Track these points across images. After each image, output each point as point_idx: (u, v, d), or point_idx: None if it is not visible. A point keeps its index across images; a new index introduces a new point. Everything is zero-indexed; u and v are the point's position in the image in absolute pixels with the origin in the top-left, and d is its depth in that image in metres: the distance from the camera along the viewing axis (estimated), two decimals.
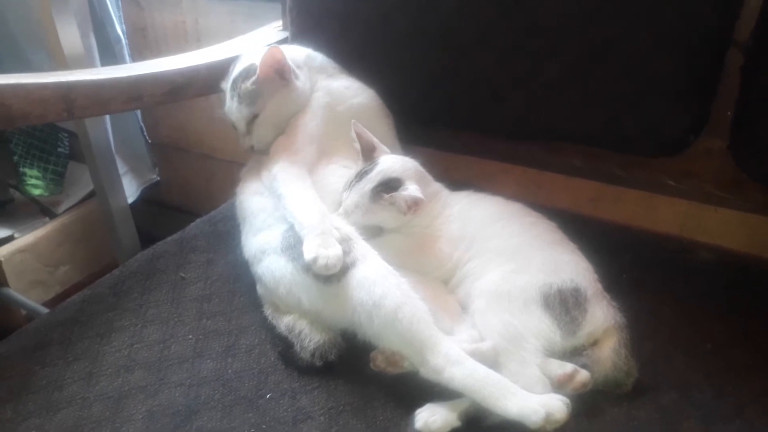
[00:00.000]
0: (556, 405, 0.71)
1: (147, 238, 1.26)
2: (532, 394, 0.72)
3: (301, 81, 1.02)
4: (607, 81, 1.01)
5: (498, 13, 1.03)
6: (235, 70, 1.03)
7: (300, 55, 1.06)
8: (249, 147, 1.04)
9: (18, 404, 0.80)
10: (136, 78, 1.05)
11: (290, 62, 1.00)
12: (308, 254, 0.81)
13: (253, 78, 0.98)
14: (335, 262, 0.80)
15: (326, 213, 0.89)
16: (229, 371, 0.84)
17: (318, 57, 1.09)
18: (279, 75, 0.98)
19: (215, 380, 0.82)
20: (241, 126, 1.02)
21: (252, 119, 1.00)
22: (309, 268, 0.82)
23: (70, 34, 1.33)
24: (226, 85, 1.04)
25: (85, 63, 1.38)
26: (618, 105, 1.02)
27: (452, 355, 0.74)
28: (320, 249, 0.81)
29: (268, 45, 0.96)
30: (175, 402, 0.79)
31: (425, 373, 0.76)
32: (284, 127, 1.02)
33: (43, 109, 0.93)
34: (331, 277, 0.81)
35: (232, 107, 1.01)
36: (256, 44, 1.23)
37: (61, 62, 1.33)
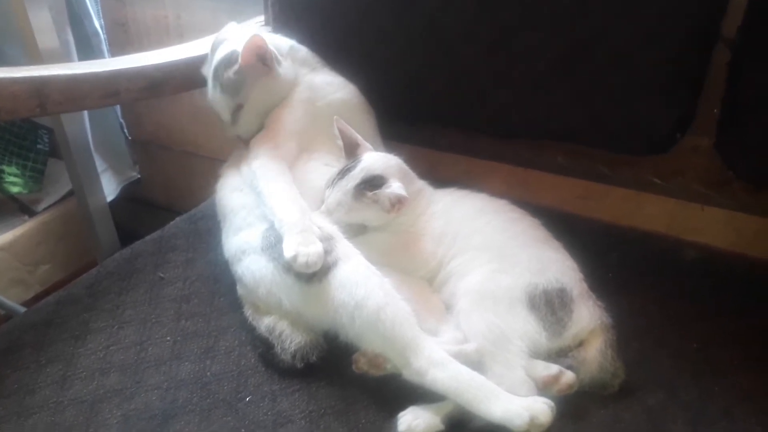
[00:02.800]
0: (541, 408, 0.70)
1: (128, 237, 1.23)
2: (516, 397, 0.71)
3: (284, 68, 1.00)
4: (592, 77, 1.00)
5: (482, 6, 1.02)
6: (216, 57, 1.00)
7: (284, 44, 1.05)
8: (235, 137, 1.02)
9: None
10: (113, 73, 1.02)
11: (273, 49, 0.98)
12: (288, 252, 0.79)
13: (235, 67, 0.96)
14: (316, 260, 0.79)
15: (307, 210, 0.88)
16: (208, 374, 0.82)
17: (302, 49, 1.07)
18: (261, 61, 0.97)
19: (193, 383, 0.81)
20: (226, 116, 1.00)
21: (237, 109, 0.99)
22: (289, 267, 0.80)
23: (44, 28, 1.30)
24: (208, 71, 1.02)
25: (60, 57, 1.35)
26: (604, 101, 1.01)
27: (435, 357, 0.73)
28: (300, 246, 0.79)
29: (251, 34, 0.94)
30: (152, 406, 0.78)
31: (408, 375, 0.74)
32: (269, 115, 1.00)
33: (15, 105, 0.90)
34: (313, 278, 0.80)
35: (216, 97, 1.00)
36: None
37: (35, 57, 1.30)
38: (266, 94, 0.99)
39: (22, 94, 0.91)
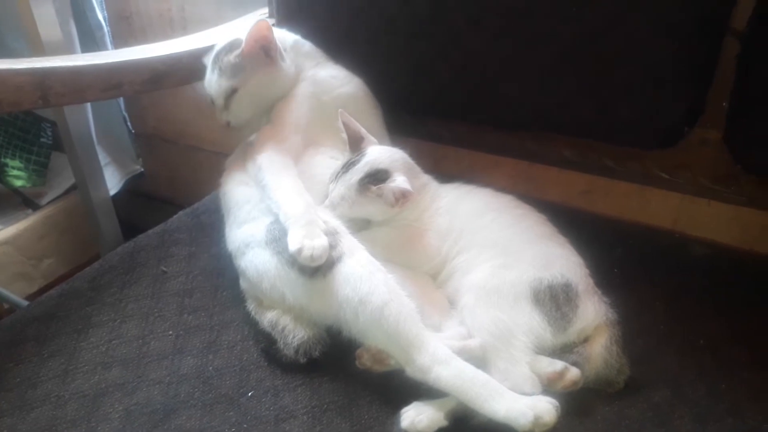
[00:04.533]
0: (545, 407, 0.69)
1: (131, 230, 1.23)
2: (520, 395, 0.70)
3: (287, 63, 1.00)
4: (599, 68, 0.99)
5: None
6: (219, 44, 1.00)
7: (289, 39, 1.04)
8: (225, 123, 1.02)
9: None
10: (115, 65, 1.02)
11: (278, 41, 0.97)
12: (293, 245, 0.79)
13: (237, 51, 0.96)
14: (321, 253, 0.78)
15: (312, 203, 0.87)
16: (210, 368, 0.82)
17: (306, 44, 1.07)
18: (264, 52, 0.96)
19: (195, 378, 0.80)
20: (219, 100, 1.00)
21: (231, 93, 0.98)
22: (294, 260, 0.79)
23: (47, 20, 1.30)
24: (208, 59, 1.02)
25: (64, 50, 1.34)
26: (611, 93, 1.00)
27: (439, 354, 0.73)
28: (305, 240, 0.79)
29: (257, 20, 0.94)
30: (154, 400, 0.77)
31: (411, 372, 0.74)
32: (263, 108, 1.00)
33: (17, 96, 0.90)
34: (317, 272, 0.79)
35: (212, 80, 0.99)
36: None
37: (38, 49, 1.30)
38: (263, 85, 0.98)
39: (25, 86, 0.90)
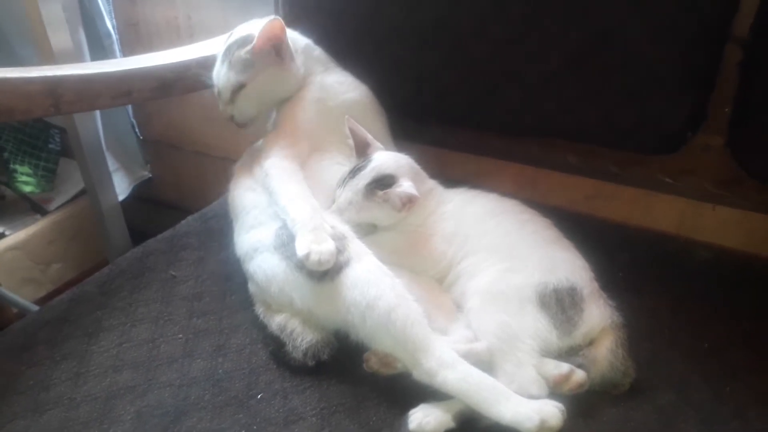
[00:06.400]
0: (551, 411, 0.70)
1: (139, 236, 1.24)
2: (526, 399, 0.71)
3: (296, 65, 1.01)
4: (603, 75, 1.00)
5: (493, 4, 1.02)
6: (232, 38, 1.01)
7: (300, 41, 1.05)
8: (229, 116, 1.02)
9: (3, 405, 0.79)
10: (125, 73, 1.03)
11: (289, 42, 0.98)
12: (301, 250, 0.80)
13: (249, 47, 0.96)
14: (328, 258, 0.79)
15: (319, 208, 0.88)
16: (220, 371, 0.83)
17: (317, 49, 1.08)
18: (275, 50, 0.97)
19: (205, 380, 0.81)
20: (226, 93, 1.00)
21: (238, 88, 0.99)
22: (302, 265, 0.80)
23: (58, 28, 1.31)
24: (219, 51, 1.02)
25: (73, 58, 1.36)
26: (614, 100, 1.01)
27: (446, 358, 0.73)
28: (313, 244, 0.80)
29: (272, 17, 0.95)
30: (164, 402, 0.78)
31: (418, 375, 0.74)
32: (268, 106, 1.01)
33: (30, 104, 0.91)
34: (325, 276, 0.80)
35: (220, 72, 1.00)
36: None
37: (48, 57, 1.31)
38: (272, 83, 0.99)
39: (37, 94, 0.92)
